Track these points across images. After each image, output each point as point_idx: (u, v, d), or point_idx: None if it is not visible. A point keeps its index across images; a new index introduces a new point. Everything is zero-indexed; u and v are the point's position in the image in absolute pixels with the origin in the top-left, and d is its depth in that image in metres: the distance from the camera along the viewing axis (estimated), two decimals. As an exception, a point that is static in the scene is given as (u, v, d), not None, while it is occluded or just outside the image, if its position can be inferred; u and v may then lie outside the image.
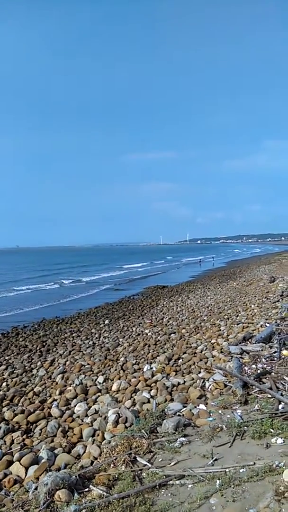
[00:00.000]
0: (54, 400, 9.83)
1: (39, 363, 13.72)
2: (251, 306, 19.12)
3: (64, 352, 14.99)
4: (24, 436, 7.96)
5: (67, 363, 13.23)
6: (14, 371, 12.96)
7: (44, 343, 17.01)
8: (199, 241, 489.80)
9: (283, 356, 9.49)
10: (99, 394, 9.70)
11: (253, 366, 9.03)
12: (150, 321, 19.88)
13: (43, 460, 6.58)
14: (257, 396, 7.34)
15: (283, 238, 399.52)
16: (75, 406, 9.12)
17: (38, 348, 16.17)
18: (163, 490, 4.70)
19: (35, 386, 11.25)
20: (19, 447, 7.47)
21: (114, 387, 9.83)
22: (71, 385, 10.64)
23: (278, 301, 18.17)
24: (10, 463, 6.88)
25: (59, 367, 12.77)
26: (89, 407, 8.89)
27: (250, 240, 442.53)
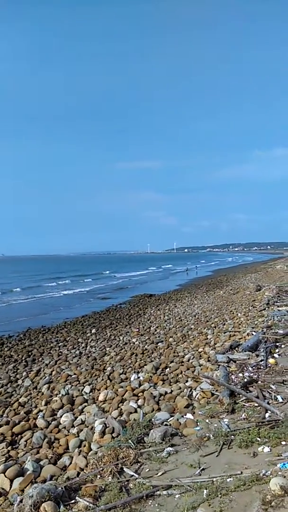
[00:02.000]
0: (40, 410, 9.71)
1: (24, 373, 13.56)
2: (237, 314, 19.22)
3: (50, 362, 14.85)
4: (9, 448, 7.83)
5: (53, 373, 13.10)
6: (-1, 382, 12.78)
7: (29, 353, 16.82)
8: (186, 250, 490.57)
9: (269, 365, 9.55)
10: (86, 404, 9.61)
11: (240, 374, 9.05)
12: (137, 330, 19.83)
13: (28, 472, 6.47)
14: (244, 405, 7.36)
15: (269, 247, 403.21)
16: (61, 416, 9.02)
17: (23, 358, 15.98)
18: (150, 501, 4.67)
19: (20, 397, 11.10)
20: (4, 459, 7.33)
21: (101, 397, 9.75)
22: (57, 396, 10.52)
23: (264, 309, 18.30)
24: (-6, 475, 6.76)
25: (45, 377, 12.64)
26: (76, 418, 8.80)
27: (236, 249, 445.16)
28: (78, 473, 6.20)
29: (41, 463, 6.84)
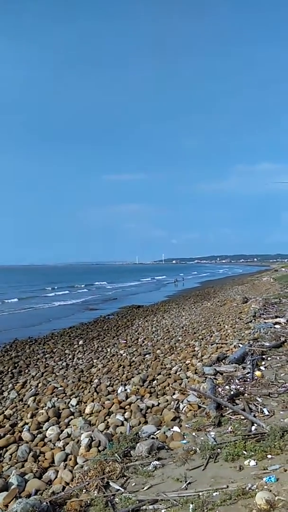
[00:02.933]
0: (26, 423, 9.59)
1: (10, 385, 13.39)
2: (224, 326, 19.30)
3: (36, 373, 14.70)
4: (-6, 462, 7.72)
5: (40, 385, 12.97)
6: (-16, 394, 12.60)
7: (15, 365, 16.64)
8: (174, 261, 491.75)
9: (256, 377, 9.60)
10: (72, 417, 9.53)
11: (227, 387, 9.08)
12: (125, 341, 19.77)
13: (13, 486, 6.38)
14: (230, 418, 7.37)
15: (255, 259, 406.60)
16: (47, 429, 8.92)
17: (9, 370, 15.80)
18: (136, 516, 4.64)
19: (5, 409, 10.96)
20: (-12, 473, 7.23)
21: (87, 410, 9.68)
22: (43, 408, 10.41)
23: (251, 321, 18.41)
24: (-22, 490, 6.64)
25: (31, 389, 12.51)
26: (62, 431, 8.70)
27: (223, 261, 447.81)
28: (64, 488, 6.14)
29: (26, 477, 6.76)
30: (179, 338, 18.63)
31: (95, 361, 15.86)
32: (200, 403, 8.53)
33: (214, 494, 4.79)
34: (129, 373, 12.94)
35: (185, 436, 6.99)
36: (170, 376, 11.64)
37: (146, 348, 17.20)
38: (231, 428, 6.83)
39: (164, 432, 7.38)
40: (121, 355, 16.47)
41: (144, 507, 4.76)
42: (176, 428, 7.49)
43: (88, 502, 5.06)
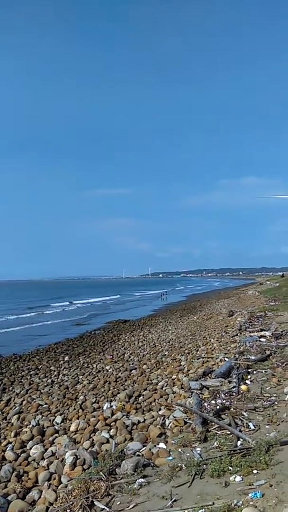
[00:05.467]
0: (9, 442, 9.39)
1: (-7, 403, 13.12)
2: (210, 340, 19.35)
3: (21, 391, 14.46)
4: (-24, 483, 7.51)
5: (24, 402, 12.75)
6: None
7: (-1, 382, 16.34)
8: (161, 275, 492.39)
9: (241, 391, 9.61)
10: (57, 435, 9.36)
11: (213, 401, 9.06)
12: (111, 356, 19.63)
13: (-5, 509, 6.23)
14: (216, 433, 7.34)
15: (241, 273, 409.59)
16: (31, 448, 8.74)
17: (-7, 387, 15.49)
18: (121, 536, 4.56)
19: (-12, 428, 10.72)
20: None
21: (73, 428, 9.53)
22: (27, 426, 10.22)
23: (237, 335, 18.50)
24: None
25: (15, 407, 12.28)
26: (46, 449, 8.53)
27: (209, 274, 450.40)
28: (47, 508, 6.02)
29: (9, 498, 6.59)
30: (166, 353, 18.58)
31: (80, 377, 15.68)
32: (186, 418, 8.49)
33: (199, 511, 4.75)
34: (115, 389, 12.82)
35: (171, 453, 6.94)
36: (156, 391, 11.57)
37: (133, 363, 17.10)
38: (217, 444, 6.81)
39: (150, 449, 7.31)
40: (107, 370, 16.33)
41: (129, 526, 4.69)
42: (162, 445, 7.43)
43: (72, 522, 4.97)
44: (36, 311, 54.61)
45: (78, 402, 11.79)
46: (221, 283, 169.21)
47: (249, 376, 10.98)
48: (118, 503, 5.37)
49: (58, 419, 10.47)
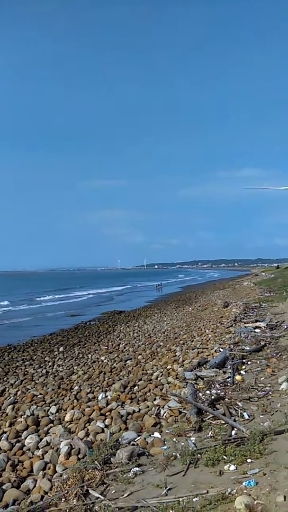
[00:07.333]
0: (4, 432, 9.40)
1: (-12, 394, 13.12)
2: (205, 331, 19.40)
3: (15, 381, 14.46)
4: None
5: (18, 393, 12.75)
6: None
7: (-6, 372, 16.33)
8: (156, 266, 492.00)
9: (236, 382, 9.66)
10: (51, 425, 9.38)
11: (207, 392, 9.10)
12: (106, 347, 19.66)
13: (-11, 498, 6.24)
14: (210, 423, 7.39)
15: (236, 264, 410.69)
16: (25, 438, 8.75)
17: (-12, 378, 15.48)
18: (116, 524, 4.58)
19: (-17, 418, 10.72)
20: None
21: (67, 417, 9.55)
22: (22, 416, 10.22)
23: (232, 326, 18.56)
24: None
25: (10, 397, 12.28)
26: (41, 439, 8.54)
27: (205, 266, 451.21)
28: (42, 497, 6.03)
29: (4, 487, 6.60)
30: (161, 343, 18.63)
31: (75, 367, 15.69)
32: (181, 408, 8.53)
33: (194, 499, 4.77)
34: (110, 379, 12.85)
35: (165, 442, 6.97)
36: (151, 381, 11.60)
37: (128, 354, 17.13)
38: (211, 433, 6.85)
39: (145, 438, 7.34)
40: (102, 361, 16.35)
41: (123, 515, 4.71)
42: (156, 434, 7.46)
43: (67, 510, 4.99)
44: (32, 301, 54.43)
45: (73, 393, 11.80)
46: (220, 274, 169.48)
47: (243, 367, 11.04)
48: (113, 491, 5.39)
49: (53, 409, 10.49)
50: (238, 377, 9.91)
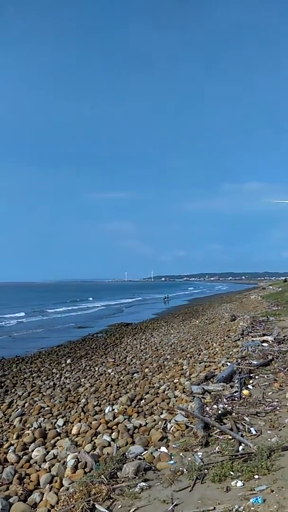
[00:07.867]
0: (11, 444, 9.41)
1: (-4, 405, 13.16)
2: (213, 344, 19.32)
3: (23, 393, 14.50)
4: (-23, 485, 7.54)
5: (26, 405, 12.78)
6: None
7: (2, 384, 16.40)
8: (163, 279, 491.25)
9: (243, 396, 9.60)
10: (58, 438, 9.38)
11: (215, 406, 9.06)
12: (113, 360, 19.65)
13: (-4, 511, 6.25)
14: (218, 438, 7.35)
15: (243, 277, 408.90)
16: (32, 451, 8.76)
17: (-5, 389, 15.54)
18: (122, 539, 4.58)
19: (-10, 430, 10.75)
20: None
21: (74, 430, 9.55)
22: (29, 429, 10.24)
23: (239, 339, 18.46)
24: None
25: (17, 409, 12.32)
26: (48, 452, 8.55)
27: (212, 278, 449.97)
28: (49, 511, 6.04)
29: (11, 500, 6.61)
30: (168, 357, 18.58)
31: (82, 380, 15.70)
32: (187, 422, 8.49)
33: (200, 516, 4.76)
34: (117, 393, 12.83)
35: (172, 457, 6.94)
36: (158, 395, 11.57)
37: (135, 367, 17.11)
38: (218, 448, 6.81)
39: (152, 453, 7.31)
40: (109, 374, 16.34)
41: (130, 530, 4.70)
42: (163, 449, 7.43)
43: (74, 525, 4.98)
44: (39, 312, 54.59)
45: (80, 405, 11.81)
46: (228, 287, 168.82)
47: (251, 381, 10.97)
48: (119, 506, 5.38)
49: (60, 421, 10.49)
50: (245, 392, 9.85)
